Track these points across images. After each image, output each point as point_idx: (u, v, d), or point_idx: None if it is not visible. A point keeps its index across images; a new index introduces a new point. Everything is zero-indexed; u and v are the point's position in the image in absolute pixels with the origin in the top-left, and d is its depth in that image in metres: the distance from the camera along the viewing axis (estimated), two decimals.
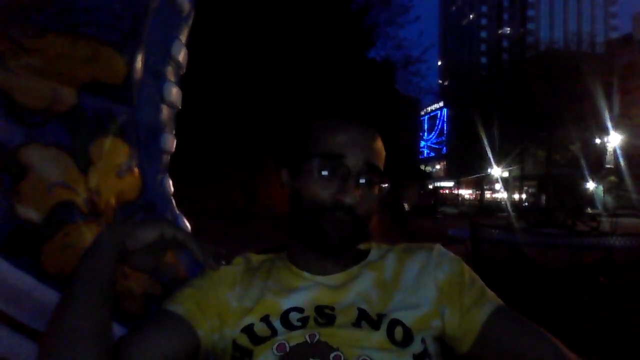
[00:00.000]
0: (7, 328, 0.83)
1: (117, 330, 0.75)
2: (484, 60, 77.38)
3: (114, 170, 0.97)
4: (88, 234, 0.91)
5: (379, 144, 0.83)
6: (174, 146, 1.15)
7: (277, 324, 0.75)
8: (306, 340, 0.72)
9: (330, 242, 0.78)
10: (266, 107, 14.39)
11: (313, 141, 0.81)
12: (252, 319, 0.76)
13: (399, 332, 0.73)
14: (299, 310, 0.77)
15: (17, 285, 0.84)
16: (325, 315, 0.76)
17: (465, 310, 0.77)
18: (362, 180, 0.78)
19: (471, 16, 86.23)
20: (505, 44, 73.52)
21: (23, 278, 0.85)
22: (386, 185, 0.83)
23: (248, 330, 0.75)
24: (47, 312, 0.85)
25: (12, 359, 0.83)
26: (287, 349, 0.71)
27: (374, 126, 0.83)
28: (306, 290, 0.79)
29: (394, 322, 0.74)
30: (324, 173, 0.78)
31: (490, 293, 0.80)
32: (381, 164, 0.82)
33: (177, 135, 1.18)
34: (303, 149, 0.82)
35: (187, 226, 1.11)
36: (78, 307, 0.66)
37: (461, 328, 0.77)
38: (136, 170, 1.02)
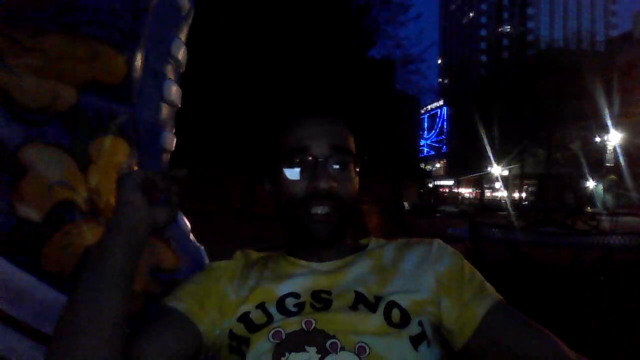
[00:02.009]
0: (7, 327, 0.83)
1: None
2: (483, 58, 77.32)
3: (114, 169, 0.97)
4: (88, 233, 0.91)
5: (344, 128, 0.85)
6: (174, 145, 1.15)
7: (273, 310, 0.75)
8: (302, 328, 0.71)
9: (314, 235, 0.79)
10: (264, 106, 14.39)
11: (280, 144, 0.83)
12: (248, 306, 0.76)
13: (395, 314, 0.73)
14: (295, 295, 0.77)
15: (17, 285, 0.84)
16: (321, 299, 0.76)
17: (464, 304, 0.77)
18: (334, 166, 0.80)
19: (471, 14, 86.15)
20: (505, 42, 73.46)
21: (23, 277, 0.85)
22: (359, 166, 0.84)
23: (244, 318, 0.75)
24: (47, 311, 0.85)
25: (12, 358, 0.83)
26: (283, 337, 0.70)
27: (334, 114, 0.85)
28: (302, 277, 0.80)
29: (391, 304, 0.74)
30: (295, 169, 0.80)
31: (489, 288, 0.80)
32: (349, 145, 0.84)
33: (177, 134, 1.18)
34: (274, 154, 0.84)
35: (187, 225, 1.11)
36: (102, 300, 0.64)
37: (459, 321, 0.77)
38: (136, 169, 1.02)
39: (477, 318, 0.76)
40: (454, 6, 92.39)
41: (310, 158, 0.79)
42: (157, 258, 1.00)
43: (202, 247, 1.12)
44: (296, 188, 0.80)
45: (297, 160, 0.80)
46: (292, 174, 0.80)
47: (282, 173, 0.81)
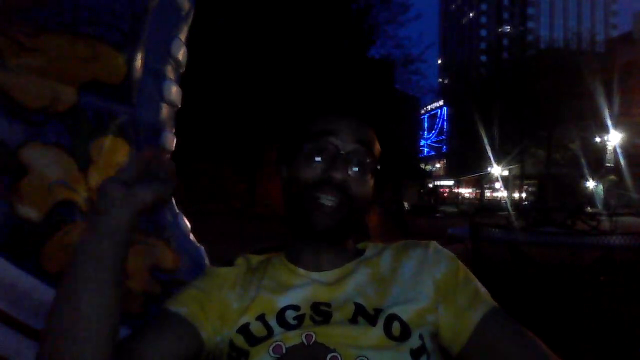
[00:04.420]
0: (7, 327, 0.83)
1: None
2: (483, 58, 77.32)
3: (114, 169, 0.97)
4: None
5: (372, 136, 0.84)
6: (174, 145, 1.15)
7: (273, 322, 0.74)
8: (302, 342, 0.71)
9: (316, 224, 0.77)
10: (264, 106, 14.38)
11: (307, 127, 0.83)
12: (248, 318, 0.76)
13: (396, 327, 0.73)
14: (295, 308, 0.76)
15: (17, 285, 0.84)
16: (321, 312, 0.75)
17: (459, 309, 0.77)
18: (354, 168, 0.80)
19: (471, 14, 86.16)
20: (505, 42, 73.42)
21: (23, 277, 0.85)
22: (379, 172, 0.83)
23: (244, 329, 0.75)
24: (47, 311, 0.85)
25: (12, 358, 0.83)
26: (284, 351, 0.70)
27: (368, 122, 0.84)
28: (301, 288, 0.79)
29: (391, 317, 0.74)
30: (315, 156, 0.79)
31: (483, 293, 0.79)
32: (374, 149, 0.83)
33: (177, 134, 1.18)
34: (298, 140, 0.83)
35: (187, 225, 1.11)
36: (84, 294, 0.61)
37: (454, 328, 0.76)
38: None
39: (471, 325, 0.75)
40: (454, 6, 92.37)
41: (332, 146, 0.79)
42: (157, 258, 1.01)
43: (202, 247, 1.12)
44: (310, 172, 0.79)
45: (319, 145, 0.79)
46: (311, 156, 0.80)
47: (300, 153, 0.81)
